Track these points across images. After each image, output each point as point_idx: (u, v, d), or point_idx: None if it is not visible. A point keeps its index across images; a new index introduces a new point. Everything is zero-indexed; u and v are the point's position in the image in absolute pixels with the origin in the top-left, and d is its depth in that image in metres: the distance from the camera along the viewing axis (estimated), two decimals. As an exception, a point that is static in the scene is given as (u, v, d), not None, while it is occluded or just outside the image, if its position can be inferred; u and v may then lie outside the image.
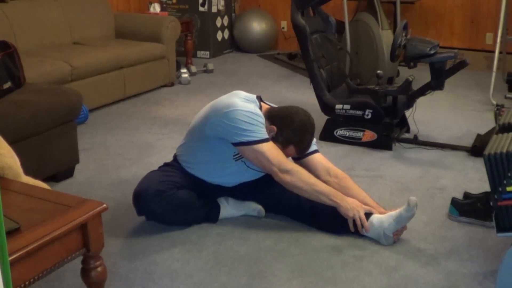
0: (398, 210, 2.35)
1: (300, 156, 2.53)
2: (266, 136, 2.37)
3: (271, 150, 2.35)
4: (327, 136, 3.60)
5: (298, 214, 2.51)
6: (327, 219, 2.42)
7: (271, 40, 6.57)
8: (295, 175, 2.36)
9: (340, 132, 3.56)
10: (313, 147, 2.58)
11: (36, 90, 2.98)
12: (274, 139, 2.41)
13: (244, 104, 2.38)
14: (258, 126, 2.35)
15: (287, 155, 2.45)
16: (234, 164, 2.47)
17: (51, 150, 2.86)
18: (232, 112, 2.33)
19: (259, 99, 2.52)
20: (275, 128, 2.41)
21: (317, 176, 2.47)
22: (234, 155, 2.45)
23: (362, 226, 2.35)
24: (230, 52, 6.60)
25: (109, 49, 4.46)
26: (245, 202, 2.59)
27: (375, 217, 2.37)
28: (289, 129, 2.42)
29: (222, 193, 2.57)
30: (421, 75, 3.94)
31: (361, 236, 2.39)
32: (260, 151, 2.33)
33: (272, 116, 2.45)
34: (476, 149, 3.31)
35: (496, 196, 1.89)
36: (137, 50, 4.62)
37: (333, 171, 2.54)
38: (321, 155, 2.61)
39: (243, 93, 2.47)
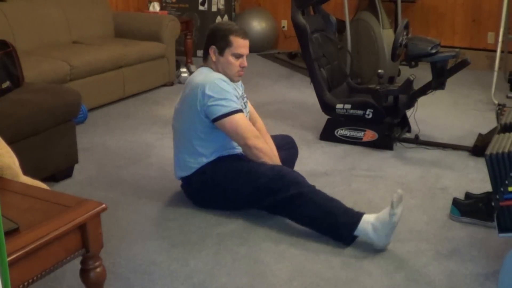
0: (383, 216, 2.28)
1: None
2: (238, 106, 2.51)
3: (240, 124, 2.49)
4: (328, 135, 3.59)
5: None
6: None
7: (271, 39, 6.56)
8: (262, 139, 2.58)
9: (341, 131, 3.55)
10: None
11: (35, 90, 2.97)
12: (221, 53, 2.55)
13: (206, 77, 2.53)
14: (230, 93, 2.50)
15: (240, 55, 2.56)
16: None
17: (50, 150, 2.85)
18: (203, 87, 2.49)
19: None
20: (213, 46, 2.56)
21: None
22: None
23: None
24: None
25: (108, 48, 4.45)
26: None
27: (370, 226, 2.31)
28: (216, 36, 2.56)
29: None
30: (422, 74, 3.93)
31: (361, 236, 2.37)
32: (237, 122, 2.49)
33: (205, 48, 2.61)
34: (478, 149, 3.29)
35: (497, 196, 1.88)
36: (136, 49, 4.61)
37: (258, 124, 2.77)
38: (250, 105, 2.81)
39: (198, 72, 2.63)
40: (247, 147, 2.53)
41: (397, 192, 2.26)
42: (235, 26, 2.61)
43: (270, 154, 2.59)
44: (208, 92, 2.48)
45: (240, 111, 2.51)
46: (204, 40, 2.64)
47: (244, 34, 2.59)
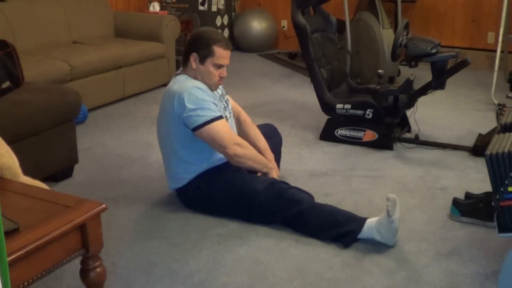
0: (384, 222, 2.29)
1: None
2: (215, 114, 2.46)
3: (220, 130, 2.45)
4: (328, 135, 3.59)
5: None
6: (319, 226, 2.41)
7: (272, 39, 6.56)
8: (243, 145, 2.53)
9: (341, 131, 3.55)
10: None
11: (35, 90, 2.97)
12: (202, 62, 2.51)
13: (182, 85, 2.49)
14: (206, 102, 2.46)
15: (221, 66, 2.52)
16: None
17: (50, 150, 2.85)
18: (179, 97, 2.46)
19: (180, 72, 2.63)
20: (194, 54, 2.52)
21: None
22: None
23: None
24: (230, 52, 6.58)
25: (108, 48, 4.45)
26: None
27: (374, 230, 2.32)
28: (199, 44, 2.52)
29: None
30: (422, 74, 3.93)
31: (361, 237, 2.37)
32: (215, 130, 2.45)
33: (185, 54, 2.56)
34: (478, 149, 3.29)
35: (497, 196, 1.88)
36: (136, 49, 4.61)
37: (242, 117, 2.79)
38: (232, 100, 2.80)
39: (174, 80, 2.59)
40: (228, 156, 2.51)
41: (389, 198, 2.28)
42: (219, 35, 2.56)
43: (253, 158, 2.56)
44: (184, 102, 2.44)
45: (218, 118, 2.46)
46: (187, 46, 2.58)
47: (227, 45, 2.54)
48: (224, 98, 2.69)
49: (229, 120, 2.64)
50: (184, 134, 2.51)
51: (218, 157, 2.58)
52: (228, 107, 2.68)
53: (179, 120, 2.48)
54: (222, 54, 2.52)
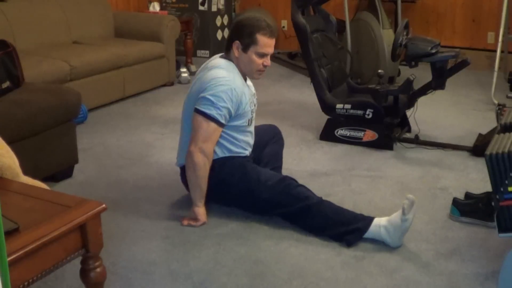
0: (395, 220, 2.30)
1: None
2: (221, 120, 2.43)
3: (208, 130, 2.41)
4: (328, 136, 3.59)
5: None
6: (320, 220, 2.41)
7: (271, 40, 6.55)
8: (206, 161, 2.43)
9: (341, 131, 3.55)
10: None
11: (35, 90, 2.97)
12: (245, 50, 2.46)
13: (227, 78, 2.44)
14: (224, 106, 2.41)
15: (264, 55, 2.47)
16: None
17: (50, 150, 2.85)
18: (214, 85, 2.41)
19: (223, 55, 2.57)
20: (237, 42, 2.46)
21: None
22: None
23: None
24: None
25: (108, 48, 4.45)
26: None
27: (382, 229, 2.32)
28: (243, 31, 2.46)
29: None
30: (422, 74, 3.93)
31: (367, 236, 2.37)
32: (204, 126, 2.41)
33: (228, 41, 2.52)
34: (478, 149, 3.29)
35: (497, 196, 1.88)
36: (136, 49, 4.61)
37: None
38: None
39: (221, 63, 2.52)
40: (190, 150, 2.43)
41: (408, 198, 2.28)
42: (263, 23, 2.47)
43: (198, 179, 2.45)
44: (211, 88, 2.40)
45: (217, 122, 2.42)
46: (230, 33, 2.54)
47: (272, 33, 2.47)
48: (255, 98, 2.66)
49: (252, 122, 2.61)
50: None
51: (236, 150, 2.56)
52: (254, 108, 2.64)
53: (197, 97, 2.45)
54: (266, 42, 2.46)
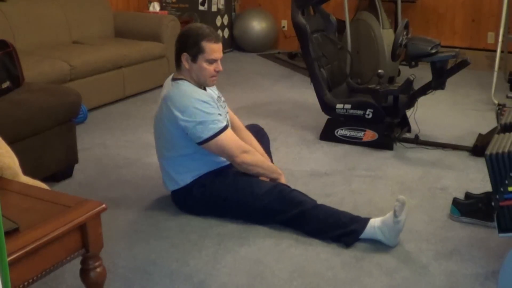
0: (388, 221, 2.30)
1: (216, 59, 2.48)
2: (222, 124, 2.44)
3: (227, 141, 2.44)
4: (328, 135, 3.59)
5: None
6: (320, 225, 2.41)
7: (271, 39, 6.56)
8: (251, 152, 2.52)
9: (341, 131, 3.55)
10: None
11: (35, 90, 2.97)
12: (194, 60, 2.45)
13: (184, 97, 2.43)
14: (212, 114, 2.42)
15: (214, 61, 2.45)
16: None
17: (50, 150, 2.85)
18: (184, 111, 2.41)
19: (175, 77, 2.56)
20: (185, 54, 2.45)
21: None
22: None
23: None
24: (230, 51, 6.58)
25: (108, 48, 4.45)
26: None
27: (377, 231, 2.33)
28: (187, 42, 2.45)
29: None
30: (422, 74, 3.93)
31: (363, 237, 2.37)
32: (223, 142, 2.43)
33: (176, 55, 2.50)
34: (478, 149, 3.29)
35: (497, 196, 1.88)
36: (136, 49, 4.61)
37: (236, 123, 2.73)
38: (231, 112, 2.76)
39: (174, 87, 2.50)
40: (236, 164, 2.51)
41: (398, 199, 2.28)
42: (206, 30, 2.46)
43: (261, 164, 2.56)
44: (190, 116, 2.40)
45: (224, 129, 2.44)
46: (176, 47, 2.50)
47: (217, 38, 2.46)
48: (222, 99, 2.67)
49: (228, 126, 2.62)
50: (185, 141, 2.48)
51: (222, 160, 2.57)
52: (225, 109, 2.65)
53: (183, 132, 2.45)
54: (213, 48, 2.44)
